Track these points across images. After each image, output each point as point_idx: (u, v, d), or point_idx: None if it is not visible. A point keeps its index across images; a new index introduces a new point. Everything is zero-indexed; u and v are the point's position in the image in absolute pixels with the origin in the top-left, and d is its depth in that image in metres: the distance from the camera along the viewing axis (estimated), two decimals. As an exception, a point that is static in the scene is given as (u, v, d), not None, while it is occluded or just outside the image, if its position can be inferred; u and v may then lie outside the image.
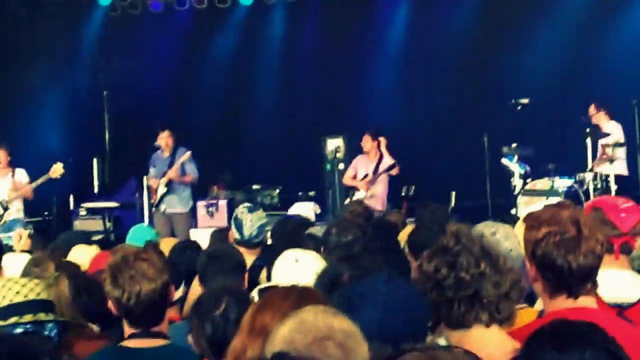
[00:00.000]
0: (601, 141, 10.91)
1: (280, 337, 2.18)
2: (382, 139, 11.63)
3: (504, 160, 11.07)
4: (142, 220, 10.74)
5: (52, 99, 14.64)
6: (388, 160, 11.48)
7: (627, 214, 3.55)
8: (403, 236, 5.77)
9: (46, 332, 3.18)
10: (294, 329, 2.18)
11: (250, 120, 15.50)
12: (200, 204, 12.45)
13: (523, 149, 11.04)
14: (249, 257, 5.31)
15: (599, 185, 10.43)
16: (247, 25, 15.71)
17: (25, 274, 4.29)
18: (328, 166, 13.75)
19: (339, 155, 13.25)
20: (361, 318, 2.36)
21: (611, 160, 10.61)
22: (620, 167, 10.93)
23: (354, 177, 11.73)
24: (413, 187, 12.24)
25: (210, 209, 12.32)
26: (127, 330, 3.48)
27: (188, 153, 11.23)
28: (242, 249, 5.70)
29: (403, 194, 12.22)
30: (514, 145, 10.99)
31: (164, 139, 11.34)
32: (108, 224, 12.22)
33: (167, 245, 5.61)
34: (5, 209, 10.79)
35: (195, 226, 12.10)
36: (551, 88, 13.41)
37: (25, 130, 13.91)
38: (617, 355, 2.15)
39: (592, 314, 2.73)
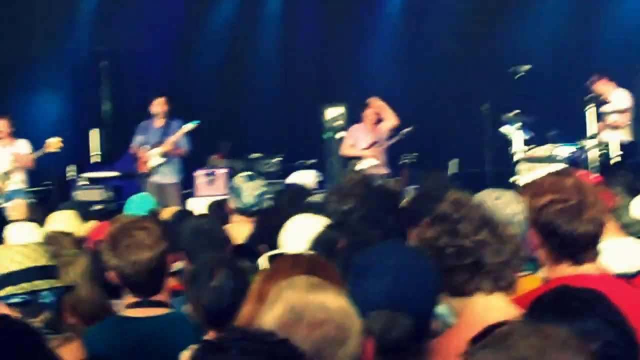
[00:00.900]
0: (603, 108, 10.86)
1: (272, 326, 2.05)
2: (373, 101, 11.56)
3: (503, 129, 11.01)
4: (142, 190, 10.71)
5: (50, 69, 14.58)
6: (388, 123, 11.45)
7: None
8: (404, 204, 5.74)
9: (41, 300, 3.12)
10: (285, 316, 2.08)
11: (249, 88, 15.45)
12: (199, 173, 12.40)
13: (524, 116, 10.99)
14: (247, 226, 5.28)
15: (601, 152, 10.40)
16: (247, -7, 15.63)
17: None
18: (328, 134, 13.69)
19: (339, 123, 13.18)
20: (370, 288, 2.34)
21: (614, 127, 10.57)
22: (624, 133, 10.89)
23: (353, 146, 11.70)
24: (414, 154, 12.21)
25: (210, 177, 12.28)
26: (128, 299, 3.48)
27: (191, 125, 11.16)
28: (240, 218, 5.70)
29: (403, 161, 12.19)
30: (515, 112, 10.94)
31: (159, 105, 11.28)
32: (108, 194, 12.19)
33: (169, 214, 5.60)
34: (6, 179, 10.78)
35: (194, 195, 12.08)
36: (552, 55, 13.35)
37: (24, 101, 13.87)
38: (619, 325, 2.12)
39: (595, 280, 2.71)
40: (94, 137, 14.28)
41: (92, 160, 14.10)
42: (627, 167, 6.47)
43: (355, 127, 11.91)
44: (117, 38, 15.03)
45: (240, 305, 2.71)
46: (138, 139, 11.40)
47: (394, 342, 2.28)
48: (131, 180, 11.85)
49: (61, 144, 10.83)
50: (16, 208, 6.99)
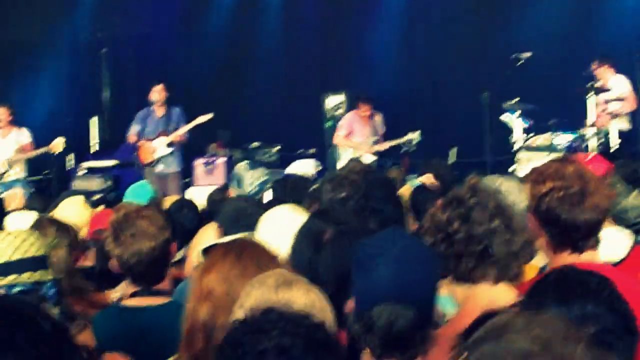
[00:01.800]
0: (603, 96, 10.82)
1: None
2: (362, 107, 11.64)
3: (504, 116, 10.99)
4: (142, 179, 10.70)
5: (51, 57, 14.54)
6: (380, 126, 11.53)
7: (594, 164, 3.52)
8: (403, 192, 5.73)
9: (43, 292, 3.10)
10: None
11: (249, 77, 15.40)
12: (199, 162, 12.39)
13: (524, 104, 10.97)
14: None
15: (600, 141, 10.39)
16: (247, -19, 15.58)
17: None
18: (329, 123, 13.66)
19: (339, 112, 13.16)
20: (373, 279, 2.33)
21: (614, 116, 10.55)
22: (623, 121, 10.87)
23: (347, 137, 11.67)
24: (415, 142, 12.18)
25: (209, 166, 12.26)
26: (129, 289, 3.47)
27: (206, 117, 11.11)
28: (240, 205, 5.67)
29: (404, 150, 12.17)
30: (515, 100, 10.92)
31: (158, 92, 11.21)
32: (107, 183, 12.17)
33: (170, 203, 5.57)
34: (8, 168, 10.77)
35: (192, 184, 12.07)
36: (553, 43, 13.29)
37: (24, 89, 13.84)
38: (620, 311, 2.09)
39: (596, 269, 2.70)
40: (94, 125, 14.24)
41: (92, 149, 14.07)
42: (625, 156, 6.46)
43: (352, 117, 11.82)
44: (117, 26, 15.01)
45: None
46: (135, 128, 11.31)
47: (399, 333, 2.28)
48: (130, 169, 11.84)
49: (65, 145, 10.85)
50: (15, 197, 6.97)
